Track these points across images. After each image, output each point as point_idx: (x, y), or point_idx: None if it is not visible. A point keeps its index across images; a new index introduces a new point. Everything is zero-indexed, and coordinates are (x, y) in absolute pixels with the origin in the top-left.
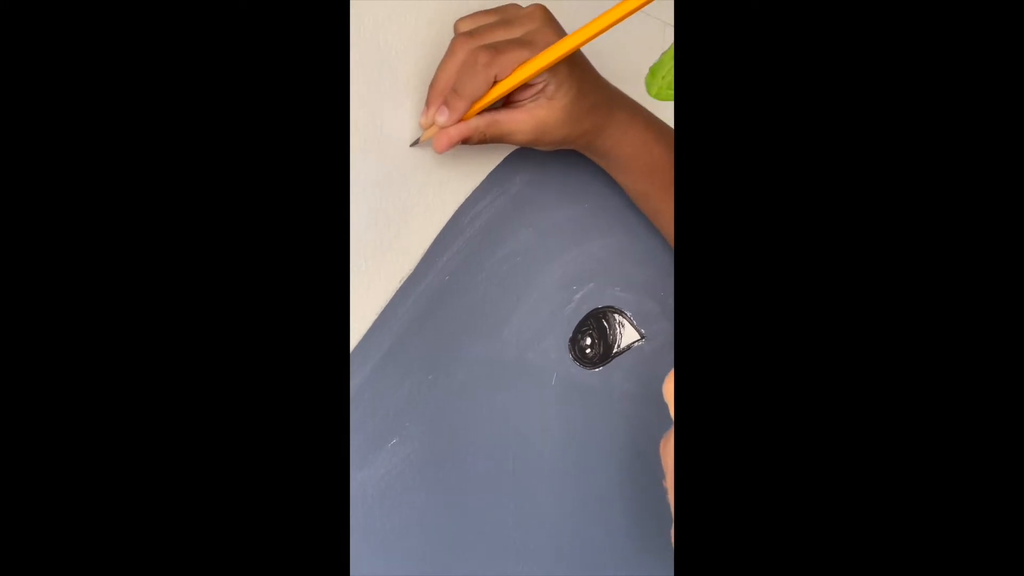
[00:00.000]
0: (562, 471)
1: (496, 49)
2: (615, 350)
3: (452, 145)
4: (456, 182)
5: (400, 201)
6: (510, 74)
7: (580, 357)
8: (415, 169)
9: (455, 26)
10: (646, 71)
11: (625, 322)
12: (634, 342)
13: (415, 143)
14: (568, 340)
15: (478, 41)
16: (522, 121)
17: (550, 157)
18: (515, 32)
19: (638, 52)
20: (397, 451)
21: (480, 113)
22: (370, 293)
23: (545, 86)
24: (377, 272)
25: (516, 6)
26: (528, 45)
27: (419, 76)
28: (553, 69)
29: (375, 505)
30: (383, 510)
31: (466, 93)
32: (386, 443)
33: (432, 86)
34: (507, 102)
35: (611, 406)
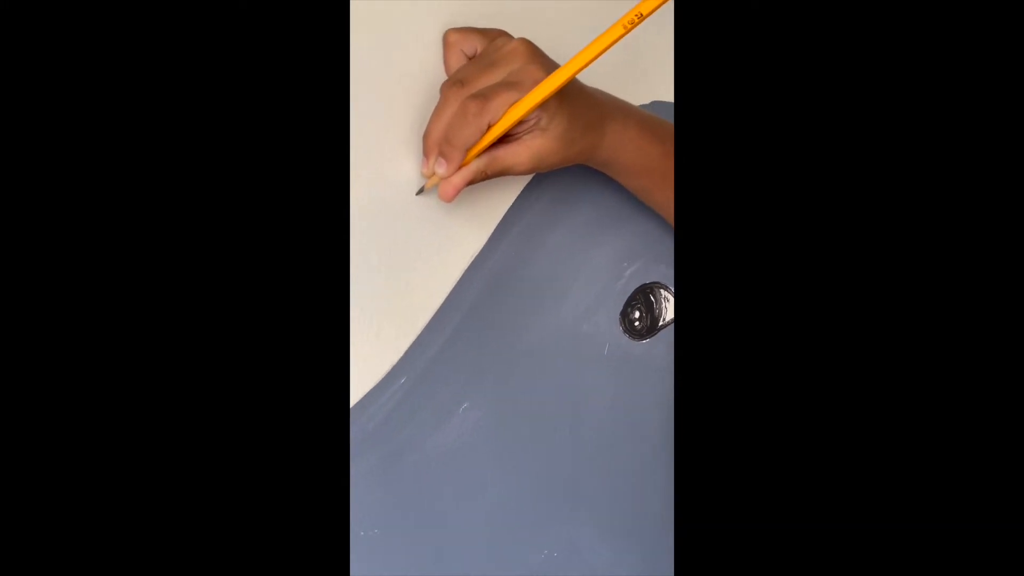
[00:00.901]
0: (612, 435)
1: (485, 96)
2: (661, 323)
3: (458, 192)
4: None
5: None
6: (501, 118)
7: (629, 329)
8: None
9: (441, 89)
10: None
11: (670, 297)
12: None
13: (420, 191)
14: (619, 313)
15: (468, 89)
16: (519, 154)
17: None
18: (500, 74)
19: None
20: (468, 416)
21: (479, 154)
22: (443, 270)
23: (538, 120)
24: (449, 251)
25: (502, 41)
26: (515, 86)
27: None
28: (543, 103)
29: (449, 466)
30: (455, 471)
31: (460, 143)
32: (458, 408)
33: (426, 137)
34: (504, 138)
35: (657, 376)
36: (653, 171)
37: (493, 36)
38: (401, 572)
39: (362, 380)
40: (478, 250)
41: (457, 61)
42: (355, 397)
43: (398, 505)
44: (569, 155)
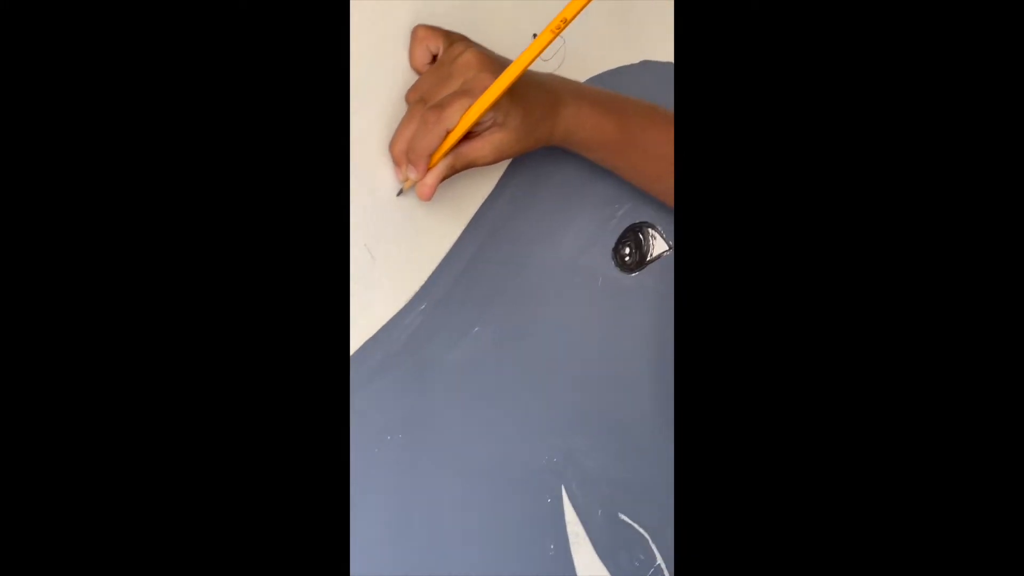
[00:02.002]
0: (604, 356)
1: (441, 106)
2: (648, 258)
3: (433, 191)
4: None
5: None
6: (457, 123)
7: (620, 264)
8: None
9: (406, 98)
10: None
11: (657, 235)
12: (663, 252)
13: (400, 193)
14: (611, 249)
15: (426, 103)
16: (483, 148)
17: None
18: (456, 83)
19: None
20: (479, 337)
21: (444, 155)
22: (456, 213)
23: (494, 118)
24: (462, 196)
25: (457, 50)
26: (468, 93)
27: None
28: (496, 103)
29: (463, 379)
30: (468, 383)
31: (422, 151)
32: (471, 330)
33: (391, 149)
34: (468, 135)
35: (645, 304)
36: (609, 144)
37: (453, 40)
38: (420, 469)
39: (388, 305)
40: (486, 196)
41: (421, 55)
42: (384, 319)
43: (421, 413)
44: (528, 143)
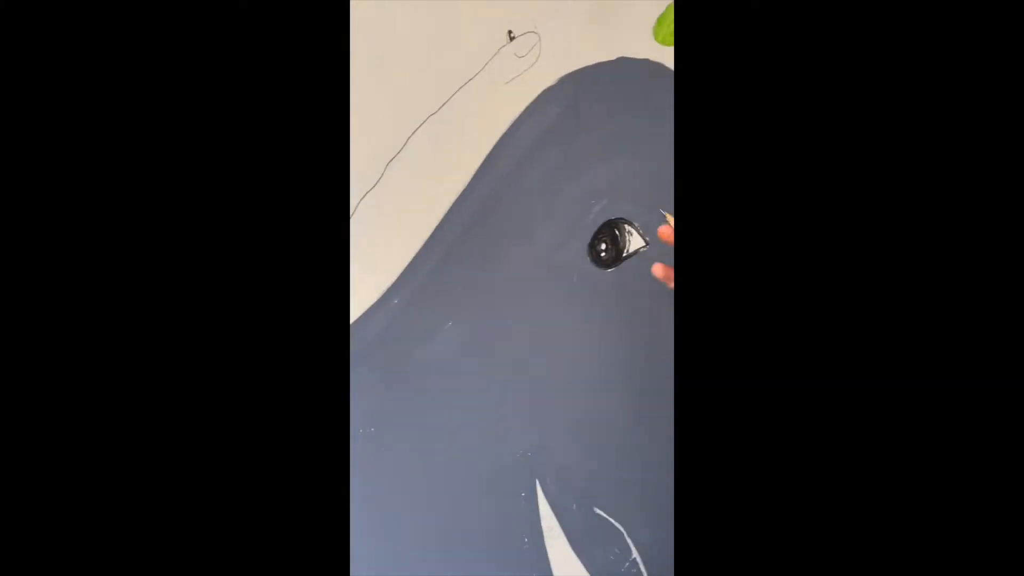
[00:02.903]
0: (578, 352)
1: None
2: (625, 254)
3: None
4: (499, 114)
5: (453, 131)
6: None
7: (596, 260)
8: (467, 101)
9: None
10: (654, 21)
11: (633, 231)
12: (640, 248)
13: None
14: (587, 245)
15: None
16: None
17: (581, 91)
18: None
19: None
20: (453, 332)
21: None
22: (430, 208)
23: None
24: (435, 191)
25: None
26: None
27: None
28: None
29: (436, 374)
30: (441, 378)
31: None
32: (444, 325)
33: None
34: None
35: (621, 300)
36: None
37: None
38: (394, 462)
39: (360, 300)
40: (460, 190)
41: None
42: (357, 313)
43: (394, 406)
44: None
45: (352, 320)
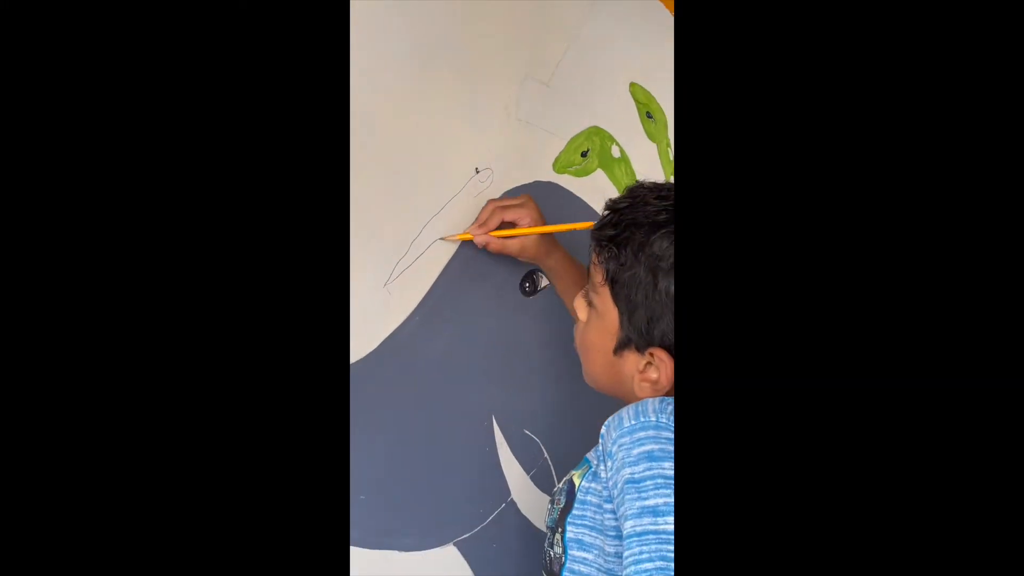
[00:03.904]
0: (517, 345)
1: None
2: (538, 289)
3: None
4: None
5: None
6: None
7: (523, 292)
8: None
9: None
10: (554, 159)
11: (542, 275)
12: (545, 285)
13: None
14: (519, 283)
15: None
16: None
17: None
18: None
19: (554, 145)
20: (450, 337)
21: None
22: (395, 308)
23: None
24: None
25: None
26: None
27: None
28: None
29: (435, 363)
30: (436, 366)
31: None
32: (444, 332)
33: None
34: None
35: (540, 317)
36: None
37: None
38: (392, 400)
39: (391, 322)
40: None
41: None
42: (389, 331)
43: (401, 373)
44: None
45: (386, 335)
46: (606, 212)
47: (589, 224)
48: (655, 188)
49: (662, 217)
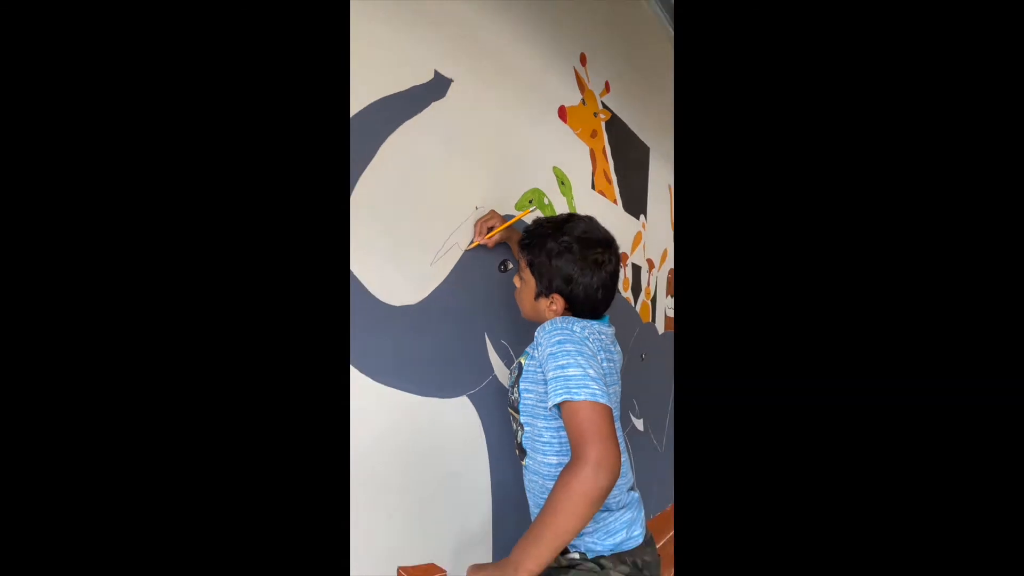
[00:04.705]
0: (504, 317)
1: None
2: (507, 270)
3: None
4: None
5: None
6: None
7: (500, 271)
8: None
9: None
10: (516, 200)
11: (509, 262)
12: (511, 267)
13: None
14: (496, 266)
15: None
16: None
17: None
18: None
19: (521, 185)
20: (454, 308)
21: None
22: (437, 273)
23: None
24: (426, 279)
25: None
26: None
27: None
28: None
29: (448, 317)
30: (451, 319)
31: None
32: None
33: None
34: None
35: (506, 284)
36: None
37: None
38: (405, 327)
39: (419, 295)
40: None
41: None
42: (417, 300)
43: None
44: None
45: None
46: (529, 227)
47: (523, 214)
48: (551, 219)
49: (550, 233)
